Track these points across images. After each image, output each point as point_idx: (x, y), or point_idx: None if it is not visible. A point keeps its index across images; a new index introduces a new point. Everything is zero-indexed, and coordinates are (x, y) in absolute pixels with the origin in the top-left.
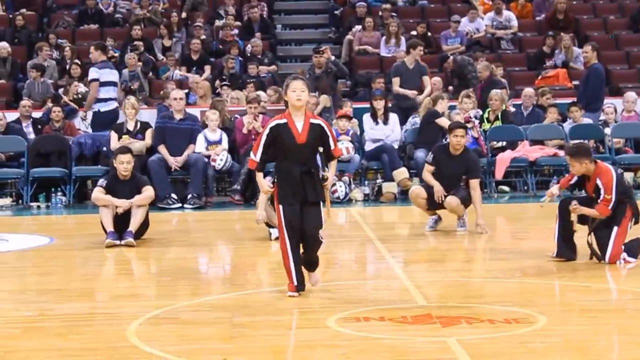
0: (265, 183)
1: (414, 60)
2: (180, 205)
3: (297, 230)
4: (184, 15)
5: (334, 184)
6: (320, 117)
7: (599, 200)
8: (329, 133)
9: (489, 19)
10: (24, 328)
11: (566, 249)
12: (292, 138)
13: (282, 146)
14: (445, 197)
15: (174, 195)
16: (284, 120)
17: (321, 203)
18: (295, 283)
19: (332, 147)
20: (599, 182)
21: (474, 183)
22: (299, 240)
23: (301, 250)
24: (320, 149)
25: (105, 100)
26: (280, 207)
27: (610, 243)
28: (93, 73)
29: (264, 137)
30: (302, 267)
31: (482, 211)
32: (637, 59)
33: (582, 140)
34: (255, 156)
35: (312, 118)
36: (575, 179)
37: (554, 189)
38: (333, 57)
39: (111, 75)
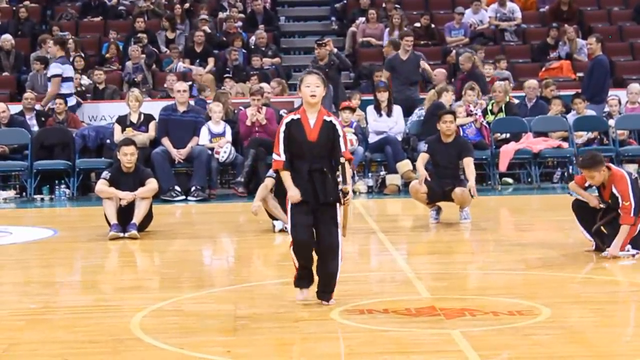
0: (295, 190)
1: (406, 52)
2: (183, 197)
3: (307, 239)
4: (187, 6)
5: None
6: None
7: (619, 210)
8: (340, 133)
9: (492, 10)
10: (28, 320)
11: (599, 241)
12: (303, 135)
13: (294, 143)
14: (451, 189)
15: (177, 188)
16: (297, 116)
17: (337, 206)
18: (298, 278)
19: (343, 149)
20: (614, 190)
21: (468, 160)
22: (309, 254)
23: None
24: None
25: (66, 95)
26: (290, 208)
27: (618, 237)
28: (56, 68)
29: (281, 134)
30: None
31: (486, 204)
32: None
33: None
34: (280, 155)
35: (326, 115)
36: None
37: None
38: (336, 50)
39: (70, 71)
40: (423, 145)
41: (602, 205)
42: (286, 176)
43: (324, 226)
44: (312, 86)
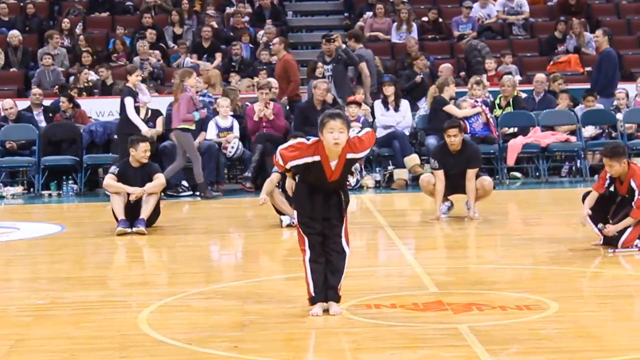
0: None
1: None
2: (190, 193)
3: (318, 240)
4: (196, 8)
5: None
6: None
7: (633, 203)
8: (358, 157)
9: (500, 4)
10: (36, 316)
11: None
12: (323, 177)
13: (312, 179)
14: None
15: (184, 183)
16: (317, 158)
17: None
18: (313, 294)
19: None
20: (633, 183)
21: (471, 173)
22: (319, 252)
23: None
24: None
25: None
26: (299, 218)
27: (628, 230)
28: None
29: (297, 162)
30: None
31: (494, 198)
32: None
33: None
34: (286, 165)
35: (349, 152)
36: (608, 181)
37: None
38: (344, 45)
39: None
40: (435, 140)
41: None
42: (288, 179)
43: (330, 237)
44: (336, 132)
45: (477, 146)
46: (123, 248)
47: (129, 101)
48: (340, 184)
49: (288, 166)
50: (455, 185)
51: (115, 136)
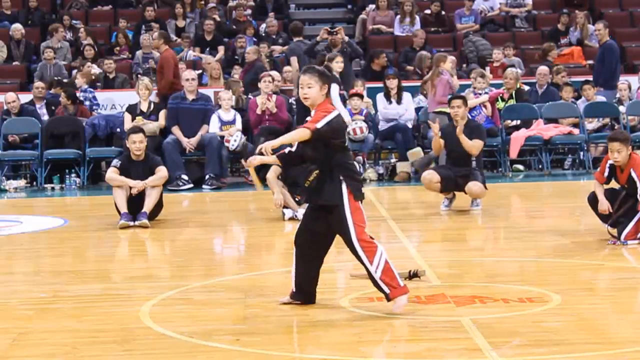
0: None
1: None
2: (191, 186)
3: (307, 237)
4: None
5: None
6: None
7: (637, 196)
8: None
9: None
10: (38, 309)
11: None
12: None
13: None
14: (465, 181)
15: (184, 177)
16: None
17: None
18: (294, 289)
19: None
20: (633, 174)
21: (476, 141)
22: (307, 251)
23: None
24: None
25: None
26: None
27: (632, 223)
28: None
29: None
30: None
31: (497, 191)
32: None
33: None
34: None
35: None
36: (607, 171)
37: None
38: (347, 38)
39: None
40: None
41: (610, 211)
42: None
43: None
44: (305, 87)
45: (480, 124)
46: (125, 241)
47: (334, 87)
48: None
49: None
50: (454, 162)
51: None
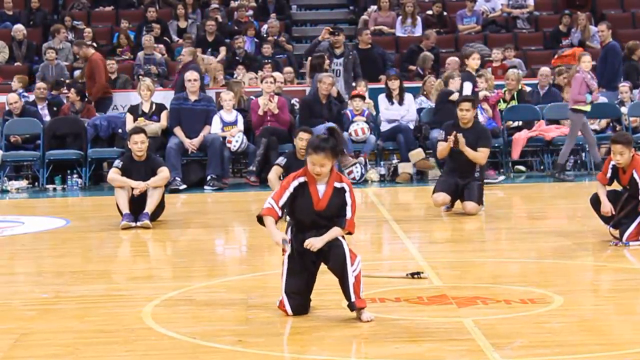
0: (279, 234)
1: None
2: (184, 187)
3: (300, 294)
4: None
5: (354, 164)
6: (344, 175)
7: (639, 197)
8: (349, 200)
9: None
10: (40, 310)
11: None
12: (310, 204)
13: (300, 210)
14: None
15: (177, 179)
16: (303, 179)
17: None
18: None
19: (349, 215)
20: (635, 174)
21: (483, 150)
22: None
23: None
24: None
25: None
26: (286, 260)
27: (634, 224)
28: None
29: (289, 190)
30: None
31: (499, 192)
32: None
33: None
34: (276, 205)
35: (337, 181)
36: (610, 172)
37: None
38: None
39: None
40: (438, 132)
41: (612, 213)
42: (269, 222)
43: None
44: (317, 166)
45: (486, 127)
46: (127, 242)
47: (467, 86)
48: (329, 224)
49: (282, 200)
50: (456, 166)
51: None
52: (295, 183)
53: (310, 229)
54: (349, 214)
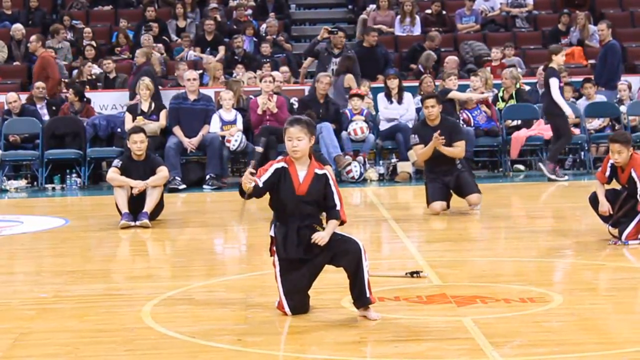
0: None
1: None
2: (184, 186)
3: (299, 292)
4: None
5: (349, 164)
6: (324, 164)
7: (638, 197)
8: (333, 188)
9: None
10: (39, 309)
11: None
12: (291, 188)
13: (280, 196)
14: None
15: (177, 178)
16: (284, 164)
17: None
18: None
19: (338, 206)
20: (634, 174)
21: (459, 144)
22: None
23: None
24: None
25: None
26: (277, 261)
27: (633, 223)
28: None
29: (270, 171)
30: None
31: (498, 191)
32: None
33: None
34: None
35: (318, 168)
36: (608, 171)
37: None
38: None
39: None
40: (413, 138)
41: (610, 212)
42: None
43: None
44: (294, 140)
45: (454, 120)
46: (127, 241)
47: (554, 82)
48: (314, 212)
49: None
50: (441, 164)
51: (544, 116)
52: (277, 165)
53: (293, 217)
54: (337, 204)
